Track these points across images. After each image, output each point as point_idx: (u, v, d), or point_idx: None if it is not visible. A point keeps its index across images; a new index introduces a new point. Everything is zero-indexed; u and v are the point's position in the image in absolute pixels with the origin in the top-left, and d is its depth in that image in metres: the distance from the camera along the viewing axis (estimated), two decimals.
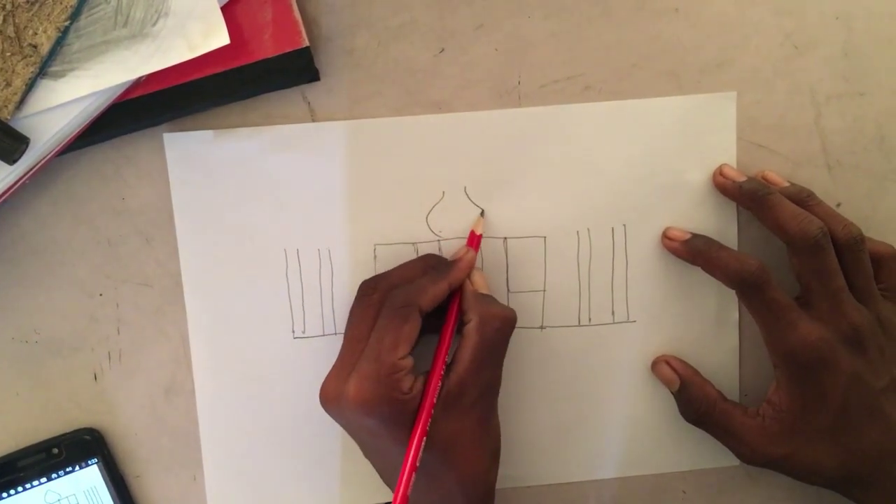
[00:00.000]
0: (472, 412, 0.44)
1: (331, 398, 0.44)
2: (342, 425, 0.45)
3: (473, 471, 0.44)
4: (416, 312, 0.43)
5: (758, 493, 0.52)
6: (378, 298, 0.44)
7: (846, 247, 0.45)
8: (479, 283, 0.47)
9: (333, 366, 0.45)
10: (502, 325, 0.44)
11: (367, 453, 0.46)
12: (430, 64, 0.47)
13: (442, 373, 0.43)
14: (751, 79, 0.48)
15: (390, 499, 0.49)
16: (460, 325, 0.45)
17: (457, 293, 0.46)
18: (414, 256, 0.48)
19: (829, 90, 0.49)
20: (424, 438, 0.42)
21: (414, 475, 0.41)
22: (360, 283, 0.46)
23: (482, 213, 0.48)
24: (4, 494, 0.47)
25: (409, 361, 0.43)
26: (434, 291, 0.44)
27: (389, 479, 0.46)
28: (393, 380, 0.42)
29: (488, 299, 0.46)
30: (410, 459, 0.41)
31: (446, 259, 0.47)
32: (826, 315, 0.44)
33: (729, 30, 0.48)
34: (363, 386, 0.42)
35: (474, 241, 0.47)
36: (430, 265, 0.46)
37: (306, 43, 0.45)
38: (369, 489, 0.50)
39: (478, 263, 0.48)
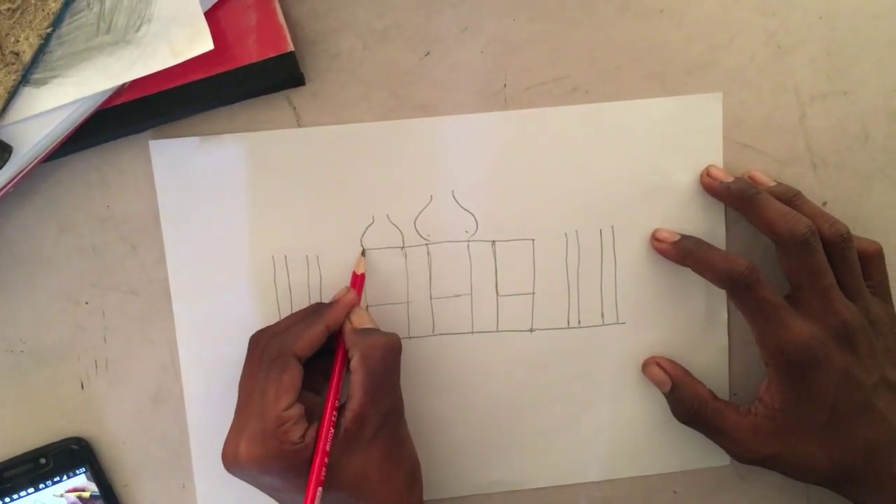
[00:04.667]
0: (376, 443, 0.43)
1: (230, 461, 0.42)
2: (250, 484, 0.44)
3: (390, 502, 0.43)
4: (293, 360, 0.42)
5: (749, 492, 0.52)
6: (259, 353, 0.44)
7: (834, 245, 0.45)
8: (359, 322, 0.46)
9: (231, 427, 0.43)
10: (385, 353, 0.44)
11: None
12: (416, 67, 0.47)
13: (335, 414, 0.43)
14: (736, 79, 0.48)
15: None
16: (348, 363, 0.44)
17: (342, 335, 0.45)
18: (402, 261, 0.48)
19: (813, 90, 0.49)
20: (321, 484, 0.41)
21: None
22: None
23: (363, 253, 0.47)
24: None
25: (295, 411, 0.42)
26: (309, 336, 0.43)
27: None
28: (280, 432, 0.41)
29: (367, 332, 0.45)
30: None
31: (327, 304, 0.46)
32: (816, 313, 0.45)
33: (714, 30, 0.48)
34: (253, 445, 0.41)
35: (356, 281, 0.47)
36: (311, 311, 0.46)
37: (291, 47, 0.44)
38: None
39: (467, 264, 0.48)
